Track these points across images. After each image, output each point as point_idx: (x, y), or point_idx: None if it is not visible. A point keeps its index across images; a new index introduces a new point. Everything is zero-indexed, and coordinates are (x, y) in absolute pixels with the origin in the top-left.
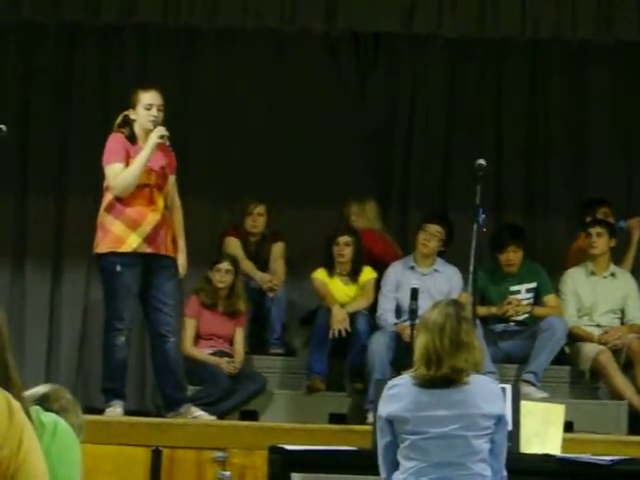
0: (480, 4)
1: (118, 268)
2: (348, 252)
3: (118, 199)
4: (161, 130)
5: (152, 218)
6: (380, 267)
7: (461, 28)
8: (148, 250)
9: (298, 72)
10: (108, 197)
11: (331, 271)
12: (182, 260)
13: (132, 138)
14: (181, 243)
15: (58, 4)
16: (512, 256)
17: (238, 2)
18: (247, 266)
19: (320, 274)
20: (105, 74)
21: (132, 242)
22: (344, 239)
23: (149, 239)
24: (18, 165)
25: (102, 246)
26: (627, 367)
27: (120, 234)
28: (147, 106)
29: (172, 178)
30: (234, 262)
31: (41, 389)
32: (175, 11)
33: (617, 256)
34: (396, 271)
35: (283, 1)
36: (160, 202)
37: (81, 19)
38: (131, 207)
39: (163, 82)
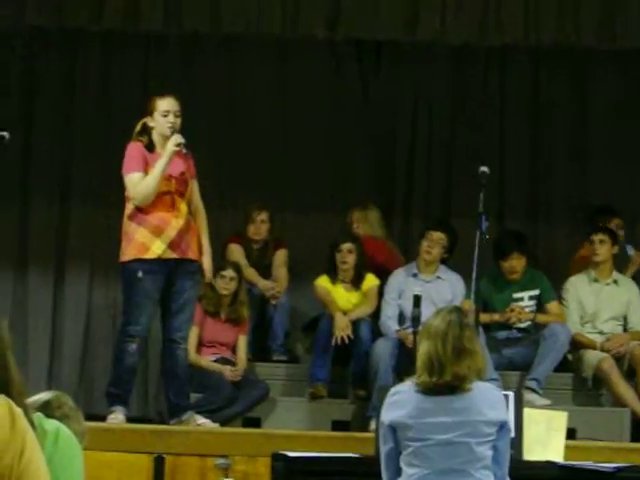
0: (483, 11)
1: (140, 274)
2: (351, 259)
3: (140, 207)
4: (177, 138)
5: (175, 224)
6: (383, 274)
7: (464, 35)
8: (173, 256)
9: (301, 79)
10: (130, 206)
11: (334, 278)
12: (207, 264)
13: (150, 146)
14: (206, 246)
15: (61, 10)
16: (515, 263)
17: (240, 9)
18: (250, 273)
19: (323, 281)
20: (108, 80)
21: (157, 249)
22: (347, 246)
23: (173, 245)
24: (21, 171)
25: (127, 254)
26: (630, 374)
27: (144, 241)
28: (164, 113)
29: (193, 182)
30: (238, 269)
31: (43, 396)
32: (178, 17)
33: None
34: (399, 278)
35: (285, 8)
36: (183, 208)
37: (84, 25)
38: (154, 214)
39: (166, 88)
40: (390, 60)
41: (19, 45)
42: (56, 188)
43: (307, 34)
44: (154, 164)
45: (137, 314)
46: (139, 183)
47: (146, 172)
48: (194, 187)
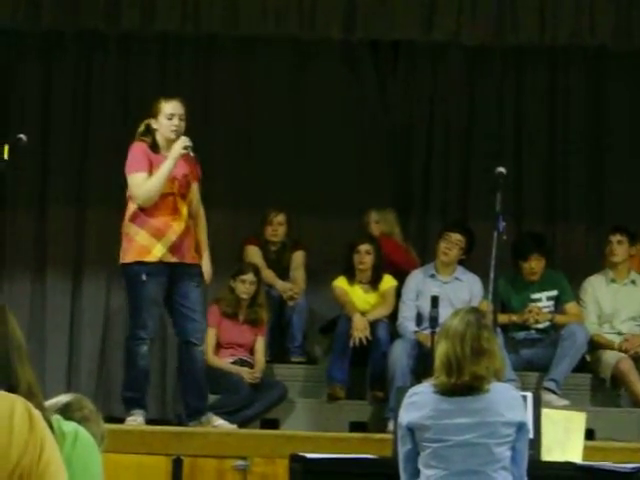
0: (499, 11)
1: (143, 277)
2: (369, 260)
3: (142, 209)
4: (185, 140)
5: (177, 227)
6: (400, 275)
7: (480, 35)
8: (173, 259)
9: (317, 80)
10: (132, 207)
11: (351, 279)
12: (206, 267)
13: (154, 147)
14: (205, 250)
15: (78, 12)
16: (535, 264)
17: (257, 10)
18: (268, 275)
19: (340, 282)
20: (125, 82)
21: (157, 252)
22: (365, 247)
23: (174, 248)
24: (39, 174)
25: (128, 256)
26: None
27: (145, 244)
28: (169, 116)
29: (195, 186)
30: (257, 272)
31: (63, 398)
32: (195, 19)
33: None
34: (417, 279)
35: (302, 9)
36: (184, 211)
37: (101, 27)
38: (155, 217)
39: (183, 90)
40: (406, 60)
41: (36, 47)
42: (73, 192)
43: (323, 35)
44: (158, 165)
45: (144, 317)
46: (143, 183)
47: (150, 172)
48: (195, 190)
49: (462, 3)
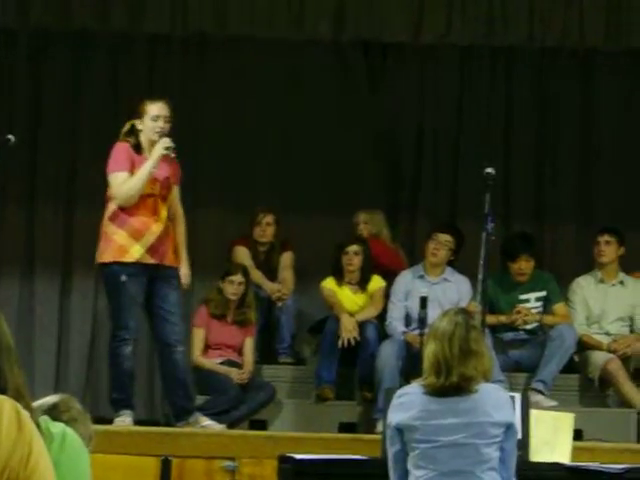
0: (488, 12)
1: (123, 278)
2: (357, 261)
3: (122, 208)
4: (166, 142)
5: (156, 229)
6: (389, 276)
7: (469, 36)
8: (151, 261)
9: (307, 81)
10: (112, 206)
11: (340, 280)
12: (185, 270)
13: (138, 147)
14: (183, 254)
15: (67, 11)
16: (524, 265)
17: (247, 10)
18: (256, 275)
19: (329, 283)
20: (114, 82)
21: (135, 252)
22: (353, 248)
23: (152, 250)
24: (27, 174)
25: (106, 256)
26: (636, 375)
27: (123, 244)
28: (154, 118)
29: (176, 189)
30: (246, 273)
31: (51, 399)
32: (183, 18)
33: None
34: (405, 280)
35: (291, 9)
36: (163, 213)
37: (91, 26)
38: (135, 217)
39: (172, 90)
40: (396, 61)
41: (25, 45)
42: (62, 191)
43: (313, 35)
44: (140, 166)
45: (126, 317)
46: (124, 183)
47: (132, 173)
48: (176, 193)
49: (452, 3)
